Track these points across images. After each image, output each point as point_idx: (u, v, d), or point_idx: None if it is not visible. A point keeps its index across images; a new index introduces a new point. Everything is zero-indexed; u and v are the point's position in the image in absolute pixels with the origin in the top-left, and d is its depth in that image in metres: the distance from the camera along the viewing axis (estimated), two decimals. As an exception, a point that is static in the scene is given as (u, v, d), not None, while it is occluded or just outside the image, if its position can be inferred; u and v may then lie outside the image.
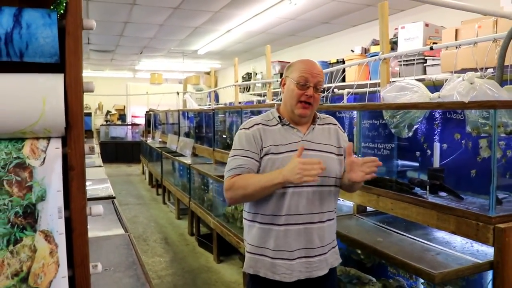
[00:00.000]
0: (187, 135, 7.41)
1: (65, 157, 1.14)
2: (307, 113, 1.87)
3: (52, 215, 1.12)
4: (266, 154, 1.85)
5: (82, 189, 1.16)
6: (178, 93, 10.34)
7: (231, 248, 4.53)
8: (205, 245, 5.22)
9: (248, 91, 8.69)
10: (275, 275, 1.83)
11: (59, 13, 1.11)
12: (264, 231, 1.86)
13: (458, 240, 2.21)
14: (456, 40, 4.57)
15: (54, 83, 1.10)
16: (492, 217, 1.81)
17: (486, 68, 2.90)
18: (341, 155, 1.96)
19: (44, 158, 1.12)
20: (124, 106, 16.02)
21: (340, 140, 2.00)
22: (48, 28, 1.10)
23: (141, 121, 14.54)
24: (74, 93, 1.13)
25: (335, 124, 2.04)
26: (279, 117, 1.92)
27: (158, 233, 5.96)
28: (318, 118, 1.98)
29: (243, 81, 8.72)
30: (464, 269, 1.82)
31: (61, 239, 1.12)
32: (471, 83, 1.98)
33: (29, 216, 1.10)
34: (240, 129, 1.94)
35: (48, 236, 1.12)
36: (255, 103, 7.75)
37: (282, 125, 1.91)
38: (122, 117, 15.76)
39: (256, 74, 9.06)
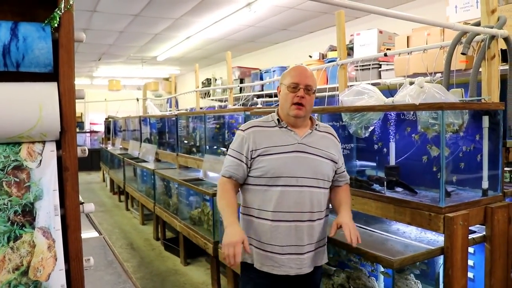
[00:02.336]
0: (149, 141, 7.43)
1: (59, 159, 1.23)
2: (300, 114, 1.98)
3: (49, 212, 1.21)
4: (259, 155, 1.97)
5: (76, 188, 1.26)
6: (138, 100, 10.30)
7: (197, 250, 4.62)
8: (171, 248, 5.28)
9: (209, 96, 8.78)
10: (263, 266, 1.97)
11: (53, 26, 1.21)
12: (250, 223, 2.02)
13: (413, 230, 2.42)
14: (408, 46, 4.85)
15: (50, 91, 1.20)
16: (442, 208, 2.01)
17: (435, 73, 3.13)
18: (335, 162, 2.08)
19: (41, 160, 1.22)
20: (82, 113, 15.74)
21: (336, 150, 2.12)
22: (43, 40, 1.20)
23: (100, 128, 14.34)
24: (67, 100, 1.23)
25: (334, 135, 2.16)
26: (278, 119, 2.05)
27: (123, 239, 5.97)
28: (316, 124, 2.10)
29: (202, 87, 8.81)
30: (419, 255, 2.02)
31: (57, 235, 1.22)
32: (421, 87, 2.19)
33: (28, 214, 1.19)
34: (239, 129, 2.10)
35: (46, 232, 1.21)
36: (216, 108, 7.86)
37: (280, 127, 2.04)
38: (79, 124, 15.47)
39: (216, 79, 9.17)
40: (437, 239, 2.24)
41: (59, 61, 1.22)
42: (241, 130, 2.07)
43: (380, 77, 5.10)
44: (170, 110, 9.96)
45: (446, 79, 2.70)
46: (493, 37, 2.51)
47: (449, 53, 2.76)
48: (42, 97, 1.19)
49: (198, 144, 5.19)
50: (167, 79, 14.96)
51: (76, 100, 1.24)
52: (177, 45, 9.04)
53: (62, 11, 1.21)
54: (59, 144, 1.24)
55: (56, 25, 1.21)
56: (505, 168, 3.68)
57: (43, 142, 1.23)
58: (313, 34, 7.90)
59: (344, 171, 2.18)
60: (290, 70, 2.08)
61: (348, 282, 2.37)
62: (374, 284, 2.30)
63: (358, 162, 2.80)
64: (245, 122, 3.87)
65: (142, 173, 6.71)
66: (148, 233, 6.20)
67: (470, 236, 2.15)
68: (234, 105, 5.77)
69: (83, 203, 1.34)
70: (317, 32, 7.77)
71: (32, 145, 1.22)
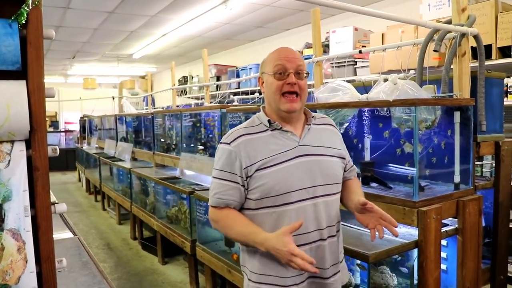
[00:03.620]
0: (126, 139, 7.35)
1: (29, 159, 1.21)
2: (295, 106, 1.63)
3: (18, 214, 1.18)
4: (257, 170, 1.60)
5: (47, 189, 1.23)
6: (113, 98, 10.17)
7: (175, 249, 4.60)
8: (148, 248, 5.24)
9: (185, 94, 8.74)
10: None
11: (20, 23, 1.18)
12: (268, 258, 1.60)
13: (388, 226, 2.45)
14: (382, 44, 4.91)
15: (18, 89, 1.17)
16: (416, 202, 2.04)
17: (409, 70, 3.18)
18: (343, 158, 1.77)
19: (9, 161, 1.19)
20: (56, 113, 15.47)
21: (341, 144, 1.82)
22: (10, 37, 1.17)
23: (75, 127, 14.12)
24: (37, 98, 1.20)
25: (334, 126, 1.85)
26: (268, 120, 1.67)
27: (99, 239, 5.89)
28: (312, 117, 1.76)
29: (179, 85, 8.76)
30: (394, 248, 2.05)
31: (28, 236, 1.19)
32: (394, 84, 2.21)
33: (-4, 215, 1.16)
34: (222, 143, 1.69)
35: (15, 234, 1.18)
36: (193, 106, 7.82)
37: (272, 130, 1.67)
38: (54, 124, 15.21)
39: (192, 77, 9.13)
40: (412, 232, 2.28)
41: (28, 59, 1.20)
42: (226, 143, 1.66)
43: (355, 74, 5.16)
44: (146, 108, 9.87)
45: (419, 75, 2.74)
46: (463, 35, 2.56)
47: (421, 50, 2.79)
48: (10, 96, 1.16)
49: (174, 143, 5.16)
50: (143, 77, 14.81)
51: (51, 99, 1.22)
52: (153, 42, 8.97)
53: (30, 7, 1.18)
54: (28, 144, 1.21)
55: (23, 21, 1.18)
56: (476, 163, 3.77)
57: (12, 142, 1.20)
58: (289, 32, 7.93)
59: (353, 165, 1.90)
60: (271, 55, 1.71)
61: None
62: (351, 278, 2.33)
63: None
64: (221, 120, 3.89)
65: (119, 172, 6.64)
66: (125, 233, 6.14)
67: (443, 229, 2.19)
68: (210, 102, 5.75)
69: (55, 203, 1.32)
70: (293, 29, 7.80)
71: (0, 145, 1.19)
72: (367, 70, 4.98)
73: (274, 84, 1.64)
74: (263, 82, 1.73)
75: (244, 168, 1.61)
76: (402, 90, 2.18)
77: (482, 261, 2.43)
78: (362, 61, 5.10)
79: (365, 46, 4.96)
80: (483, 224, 2.64)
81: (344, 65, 5.03)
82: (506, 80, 3.97)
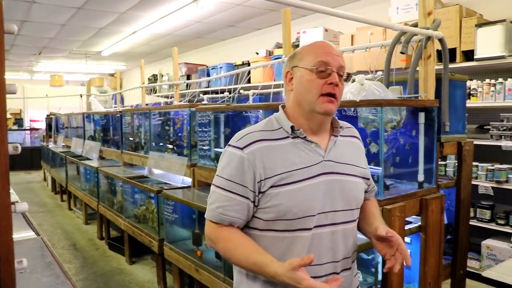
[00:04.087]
0: (93, 138, 7.23)
1: (-12, 156, 1.17)
2: (333, 110, 1.39)
3: (-23, 212, 1.15)
4: (273, 187, 1.34)
5: (7, 188, 1.20)
6: (81, 96, 9.98)
7: (143, 249, 4.55)
8: (116, 247, 5.17)
9: (155, 93, 8.65)
10: None
11: (-21, 16, 1.14)
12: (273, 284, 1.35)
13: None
14: (352, 45, 4.98)
15: (-24, 84, 1.14)
16: (381, 200, 2.08)
17: (377, 71, 3.24)
18: (367, 178, 1.56)
19: (-33, 158, 1.15)
20: (21, 110, 15.06)
21: (364, 160, 1.59)
22: (-32, 31, 1.13)
23: (41, 125, 13.78)
24: (-4, 94, 1.17)
25: (359, 138, 1.61)
26: (292, 127, 1.41)
27: (65, 239, 5.77)
28: (340, 127, 1.50)
29: (149, 83, 8.67)
30: (360, 246, 2.07)
31: (-14, 236, 1.16)
32: (361, 84, 2.25)
33: (-47, 214, 1.12)
34: (231, 146, 1.41)
35: (-27, 234, 1.14)
36: (162, 105, 7.75)
37: (293, 138, 1.41)
38: (18, 121, 14.81)
39: (162, 76, 9.05)
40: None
41: (-13, 53, 1.16)
42: (238, 148, 1.38)
43: (324, 74, 5.19)
44: (115, 107, 9.72)
45: (386, 77, 2.79)
46: (429, 38, 2.62)
47: (389, 52, 2.85)
48: (-32, 91, 1.12)
49: (143, 141, 5.10)
50: (112, 75, 14.59)
51: (15, 96, 1.19)
52: (122, 40, 8.84)
53: (-10, 0, 1.14)
54: (-13, 140, 1.18)
55: (-17, 15, 1.14)
56: (440, 162, 3.87)
57: (-30, 138, 1.16)
58: (260, 31, 7.95)
59: (374, 186, 1.67)
60: (309, 47, 1.44)
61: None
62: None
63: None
64: (190, 119, 3.87)
65: (86, 171, 6.51)
66: (92, 233, 6.03)
67: (407, 227, 2.24)
68: (180, 101, 5.71)
69: (15, 202, 1.28)
70: (264, 29, 7.83)
71: (-43, 141, 1.15)
72: (335, 71, 5.04)
73: (314, 82, 1.37)
74: (291, 78, 1.45)
75: (258, 182, 1.34)
76: (368, 91, 2.21)
77: (443, 257, 2.50)
78: (332, 62, 5.15)
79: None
80: (445, 221, 2.72)
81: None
82: (468, 83, 4.09)
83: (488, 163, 4.03)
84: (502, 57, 3.80)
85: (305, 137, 1.41)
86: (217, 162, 3.46)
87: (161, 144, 4.60)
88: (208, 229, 1.43)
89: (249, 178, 1.35)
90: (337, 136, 1.47)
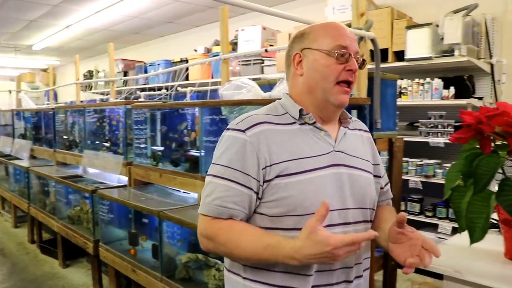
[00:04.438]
0: (24, 136, 6.87)
1: None
2: (347, 102, 1.26)
3: None
4: (279, 176, 1.17)
5: None
6: (10, 92, 9.45)
7: (77, 251, 4.39)
8: (48, 251, 4.94)
9: (90, 89, 8.37)
10: None
11: None
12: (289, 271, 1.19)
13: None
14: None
15: None
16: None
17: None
18: (378, 176, 1.41)
19: None
20: None
21: (376, 156, 1.43)
22: None
23: (-35, 123, 12.93)
24: None
25: (367, 131, 1.46)
26: (300, 110, 1.25)
27: (-8, 244, 5.46)
28: (350, 118, 1.38)
29: (84, 79, 8.38)
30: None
31: None
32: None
33: None
34: (231, 129, 1.25)
35: None
36: (97, 102, 7.51)
37: (301, 124, 1.26)
38: None
39: (99, 72, 8.78)
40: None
41: None
42: (239, 130, 1.22)
43: (262, 72, 5.25)
44: (48, 104, 9.32)
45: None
46: (361, 38, 2.69)
47: (323, 50, 2.91)
48: None
49: (77, 140, 4.92)
50: (45, 70, 13.94)
51: None
52: (55, 34, 8.48)
53: None
54: None
55: None
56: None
57: None
58: (199, 28, 7.89)
59: (389, 189, 1.49)
60: (325, 27, 1.27)
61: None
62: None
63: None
64: (126, 116, 3.78)
65: (15, 172, 6.18)
66: (22, 236, 5.73)
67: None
68: (116, 98, 5.56)
69: None
70: (203, 26, 7.78)
71: None
72: (274, 69, 5.11)
73: (332, 67, 1.22)
74: (300, 61, 1.27)
75: (262, 168, 1.17)
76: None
77: (376, 250, 2.59)
78: (270, 60, 5.21)
79: (272, 45, 5.07)
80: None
81: (252, 64, 5.11)
82: (399, 82, 4.27)
83: (417, 159, 4.23)
84: (429, 58, 4.00)
85: (314, 122, 1.25)
86: (154, 160, 3.41)
87: (96, 142, 4.45)
88: (203, 225, 1.22)
89: (251, 164, 1.17)
90: (347, 127, 1.34)
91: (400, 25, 4.31)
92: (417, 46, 4.10)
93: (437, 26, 4.05)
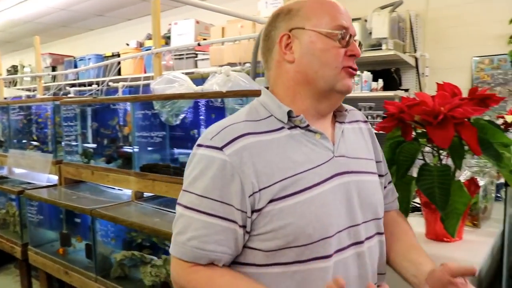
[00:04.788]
0: None
1: None
2: (352, 87, 1.08)
3: None
4: (273, 201, 0.96)
5: None
6: None
7: (4, 257, 4.16)
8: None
9: (15, 85, 7.96)
10: None
11: None
12: None
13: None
14: (222, 37, 5.06)
15: None
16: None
17: (245, 63, 3.32)
18: (381, 175, 1.22)
19: None
20: None
21: (378, 150, 1.25)
22: None
23: None
24: None
25: (365, 122, 1.25)
26: (289, 112, 1.03)
27: None
28: (345, 110, 1.16)
29: (7, 75, 7.94)
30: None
31: None
32: (227, 76, 2.29)
33: None
34: (204, 146, 1.01)
35: None
36: (23, 98, 7.14)
37: (290, 128, 1.04)
38: None
39: (24, 67, 8.36)
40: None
41: None
42: (214, 148, 0.99)
43: (196, 66, 5.22)
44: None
45: (253, 68, 2.87)
46: (292, 31, 2.74)
47: (255, 44, 2.93)
48: None
49: (1, 138, 4.65)
50: (-36, 66, 13.05)
51: None
52: (-27, 26, 7.95)
53: None
54: None
55: None
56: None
57: None
58: (131, 22, 7.70)
59: (392, 185, 1.31)
60: (318, 3, 1.05)
61: (165, 267, 2.39)
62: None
63: (172, 148, 2.82)
64: (54, 113, 3.62)
65: None
66: None
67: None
68: (44, 94, 5.31)
69: None
70: (136, 19, 7.59)
71: None
72: (208, 63, 5.08)
73: (332, 52, 1.02)
74: (288, 44, 1.05)
75: (249, 196, 0.95)
76: (234, 82, 2.26)
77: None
78: (203, 54, 5.18)
79: (205, 39, 5.04)
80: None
81: (186, 58, 5.06)
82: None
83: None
84: (359, 51, 4.14)
85: (307, 125, 1.03)
86: (85, 157, 3.31)
87: (23, 141, 4.24)
88: (176, 271, 1.00)
89: (234, 191, 0.95)
90: (343, 122, 1.13)
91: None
92: (348, 40, 4.23)
93: (366, 21, 4.20)
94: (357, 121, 1.21)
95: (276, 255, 0.97)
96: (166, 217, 2.46)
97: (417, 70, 4.37)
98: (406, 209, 1.30)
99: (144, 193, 2.82)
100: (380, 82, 4.18)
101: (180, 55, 5.11)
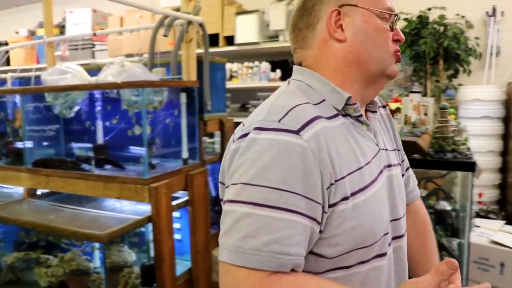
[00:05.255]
0: None
1: None
2: None
3: None
4: (344, 199, 0.84)
5: None
6: None
7: None
8: None
9: None
10: None
11: None
12: None
13: (127, 205, 2.51)
14: (121, 27, 4.92)
15: None
16: (147, 179, 2.15)
17: (144, 54, 3.27)
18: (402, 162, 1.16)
19: None
20: None
21: (397, 136, 1.16)
22: None
23: None
24: None
25: (384, 106, 1.17)
26: (349, 98, 0.92)
27: None
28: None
29: None
30: (128, 226, 2.11)
31: None
32: (122, 66, 2.26)
33: None
34: (270, 129, 0.82)
35: None
36: None
37: (344, 115, 0.93)
38: None
39: None
40: (145, 208, 2.39)
41: None
42: (289, 131, 0.81)
43: (94, 57, 5.04)
44: None
45: (151, 59, 2.85)
46: (190, 23, 2.75)
47: (152, 35, 2.91)
48: None
49: None
50: None
51: None
52: None
53: None
54: None
55: None
56: (209, 140, 4.16)
57: None
58: (21, 8, 7.20)
59: (411, 171, 1.23)
60: None
61: (62, 266, 2.32)
62: (88, 263, 2.32)
63: (68, 142, 2.73)
64: None
65: None
66: None
67: (175, 202, 2.37)
68: None
69: None
70: (26, 6, 7.11)
71: None
72: (106, 54, 4.93)
73: (385, 35, 0.94)
74: (337, 20, 0.94)
75: (327, 188, 0.82)
76: (130, 73, 2.24)
77: (212, 227, 2.72)
78: (101, 45, 5.01)
79: (103, 29, 4.88)
80: (214, 194, 2.96)
81: (84, 48, 4.86)
82: (231, 66, 4.47)
83: (250, 138, 4.50)
84: (257, 43, 4.27)
85: (360, 115, 0.94)
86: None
87: None
88: (250, 283, 0.77)
89: (315, 184, 0.80)
90: (376, 112, 1.05)
91: (230, 10, 4.49)
92: (246, 31, 4.33)
93: (263, 13, 4.32)
94: (380, 106, 1.11)
95: (340, 259, 0.86)
96: (62, 213, 2.39)
97: (313, 61, 4.60)
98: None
99: (39, 190, 2.70)
100: (278, 72, 4.34)
101: (75, 45, 4.89)
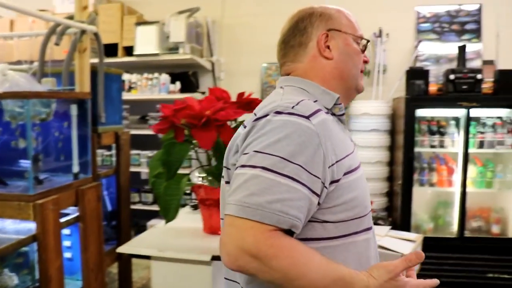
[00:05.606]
0: None
1: None
2: None
3: None
4: (344, 174, 1.00)
5: None
6: None
7: None
8: None
9: None
10: None
11: None
12: None
13: (11, 224, 2.35)
14: (11, 31, 4.61)
15: None
16: (32, 196, 2.03)
17: (33, 61, 3.10)
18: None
19: None
20: None
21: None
22: None
23: None
24: None
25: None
26: (338, 98, 1.11)
27: None
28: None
29: None
30: (9, 246, 1.98)
31: None
32: (4, 75, 2.12)
33: None
34: (285, 113, 0.97)
35: None
36: None
37: (330, 114, 1.10)
38: None
39: None
40: (30, 226, 2.25)
41: None
42: (301, 116, 0.97)
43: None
44: None
45: (41, 67, 2.71)
46: (83, 32, 2.66)
47: (43, 43, 2.77)
48: None
49: None
50: None
51: None
52: None
53: None
54: None
55: None
56: (106, 152, 4.03)
57: None
58: None
59: None
60: (344, 13, 1.20)
61: None
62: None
63: None
64: None
65: None
66: None
67: (65, 219, 2.26)
68: None
69: None
70: None
71: None
72: (-5, 60, 4.59)
73: (359, 56, 1.18)
74: (326, 42, 1.14)
75: (329, 166, 0.96)
76: (13, 82, 2.11)
77: (109, 242, 2.64)
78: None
79: (-10, 33, 4.54)
80: (110, 208, 2.87)
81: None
82: (129, 77, 4.38)
83: (149, 151, 4.43)
84: (157, 54, 4.22)
85: (343, 114, 1.13)
86: None
87: None
88: (253, 234, 0.88)
89: (318, 162, 0.94)
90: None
91: (130, 20, 4.40)
92: (146, 42, 4.27)
93: (164, 24, 4.29)
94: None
95: (344, 226, 1.01)
96: None
97: (213, 74, 4.65)
98: (176, 206, 1.40)
99: None
100: (178, 84, 4.32)
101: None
